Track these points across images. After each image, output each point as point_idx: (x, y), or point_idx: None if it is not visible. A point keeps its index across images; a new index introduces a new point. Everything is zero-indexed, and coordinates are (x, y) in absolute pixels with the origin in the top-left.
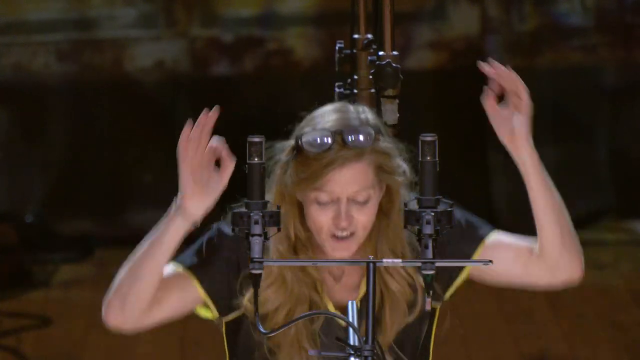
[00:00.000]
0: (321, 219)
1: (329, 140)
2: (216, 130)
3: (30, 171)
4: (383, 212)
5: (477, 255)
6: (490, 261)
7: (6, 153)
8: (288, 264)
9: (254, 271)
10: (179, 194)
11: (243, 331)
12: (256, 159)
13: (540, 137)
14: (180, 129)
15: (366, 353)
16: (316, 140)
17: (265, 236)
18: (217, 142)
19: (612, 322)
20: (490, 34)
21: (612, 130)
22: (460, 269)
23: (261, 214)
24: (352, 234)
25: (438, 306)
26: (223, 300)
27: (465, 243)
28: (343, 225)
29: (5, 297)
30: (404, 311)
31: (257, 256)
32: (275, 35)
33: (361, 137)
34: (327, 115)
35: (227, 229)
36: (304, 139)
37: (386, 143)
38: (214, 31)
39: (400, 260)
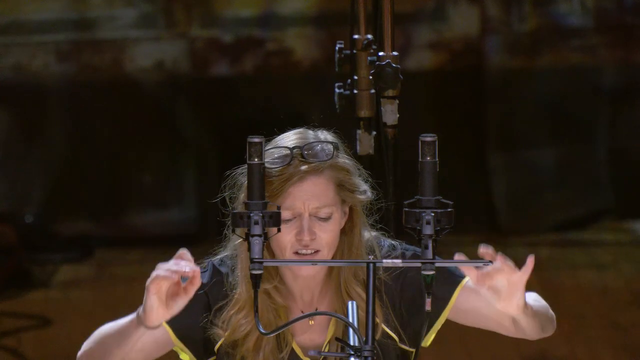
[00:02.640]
0: (284, 237)
1: (288, 156)
2: (216, 131)
3: (30, 171)
4: (345, 233)
5: (455, 298)
6: (490, 261)
7: (6, 153)
8: (288, 264)
9: (254, 271)
10: (141, 307)
11: None
12: (256, 159)
13: (540, 137)
14: (180, 129)
15: (366, 353)
16: (274, 156)
17: (265, 236)
18: (185, 263)
19: (612, 322)
20: (490, 34)
21: (612, 131)
22: (440, 313)
23: (261, 214)
24: (316, 252)
25: (413, 351)
26: (198, 348)
27: (443, 286)
28: (306, 241)
29: (5, 297)
30: None
31: (257, 256)
32: (275, 36)
33: (318, 151)
34: (287, 137)
35: (216, 262)
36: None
37: (345, 160)
38: (214, 31)
39: (400, 260)
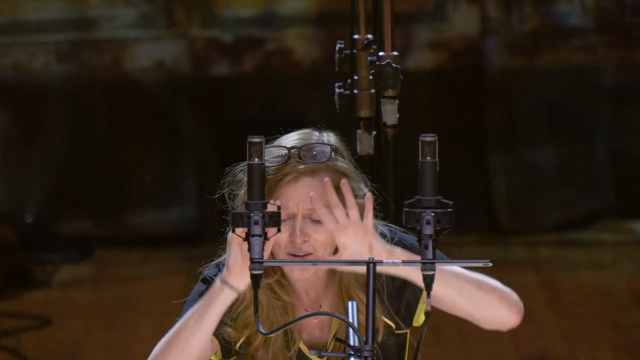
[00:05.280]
0: (280, 237)
1: (285, 156)
2: (216, 131)
3: (30, 171)
4: None
5: (423, 298)
6: (490, 261)
7: (6, 153)
8: (288, 263)
9: (254, 271)
10: (224, 271)
11: None
12: (256, 159)
13: (541, 137)
14: (180, 129)
15: (366, 353)
16: (270, 155)
17: (265, 236)
18: None
19: (612, 322)
20: (490, 35)
21: (612, 130)
22: (418, 300)
23: (261, 214)
24: (308, 255)
25: (407, 332)
26: (224, 345)
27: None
28: (298, 243)
29: (5, 297)
30: None
31: (257, 256)
32: (275, 36)
33: (315, 153)
34: (289, 137)
35: (210, 272)
36: None
37: (344, 164)
38: (214, 31)
39: (400, 260)
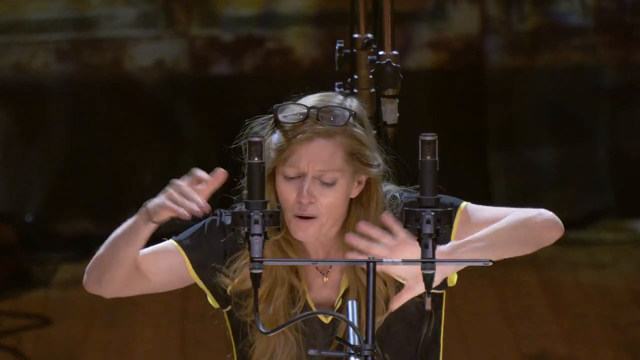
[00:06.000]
0: (286, 195)
1: (303, 114)
2: (216, 130)
3: (30, 171)
4: (362, 204)
5: (455, 224)
6: (491, 261)
7: (6, 153)
8: (288, 263)
9: (253, 271)
10: (150, 203)
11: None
12: (256, 159)
13: (541, 136)
14: (180, 129)
15: (366, 353)
16: (290, 112)
17: (265, 236)
18: (197, 197)
19: (612, 322)
20: (490, 34)
21: (612, 130)
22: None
23: (261, 213)
24: (314, 217)
25: (443, 292)
26: (214, 290)
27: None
28: (304, 202)
29: (5, 297)
30: (381, 308)
31: (257, 256)
32: (275, 35)
33: (333, 116)
34: (312, 97)
35: (226, 218)
36: (280, 112)
37: (361, 131)
38: (214, 31)
39: (400, 260)
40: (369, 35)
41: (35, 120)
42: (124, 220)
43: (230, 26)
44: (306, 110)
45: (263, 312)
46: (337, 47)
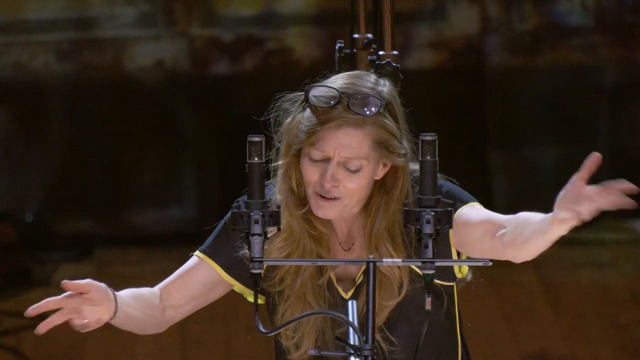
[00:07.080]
0: (309, 175)
1: (334, 99)
2: (216, 130)
3: (30, 170)
4: (386, 189)
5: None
6: (490, 260)
7: (6, 152)
8: (288, 263)
9: (253, 271)
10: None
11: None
12: (256, 159)
13: (541, 136)
14: (180, 129)
15: (366, 352)
16: (322, 96)
17: (265, 235)
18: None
19: (612, 321)
20: (490, 34)
21: (612, 130)
22: (449, 253)
23: (261, 213)
24: (335, 199)
25: (454, 284)
26: (245, 277)
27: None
28: (326, 187)
29: (5, 296)
30: (393, 292)
31: (257, 255)
32: (275, 35)
33: (365, 105)
34: (345, 77)
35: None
36: (311, 92)
37: (391, 121)
38: (214, 31)
39: (400, 260)
40: (369, 35)
41: (35, 120)
42: (124, 220)
43: (230, 26)
44: (337, 95)
45: (290, 286)
46: (337, 47)
